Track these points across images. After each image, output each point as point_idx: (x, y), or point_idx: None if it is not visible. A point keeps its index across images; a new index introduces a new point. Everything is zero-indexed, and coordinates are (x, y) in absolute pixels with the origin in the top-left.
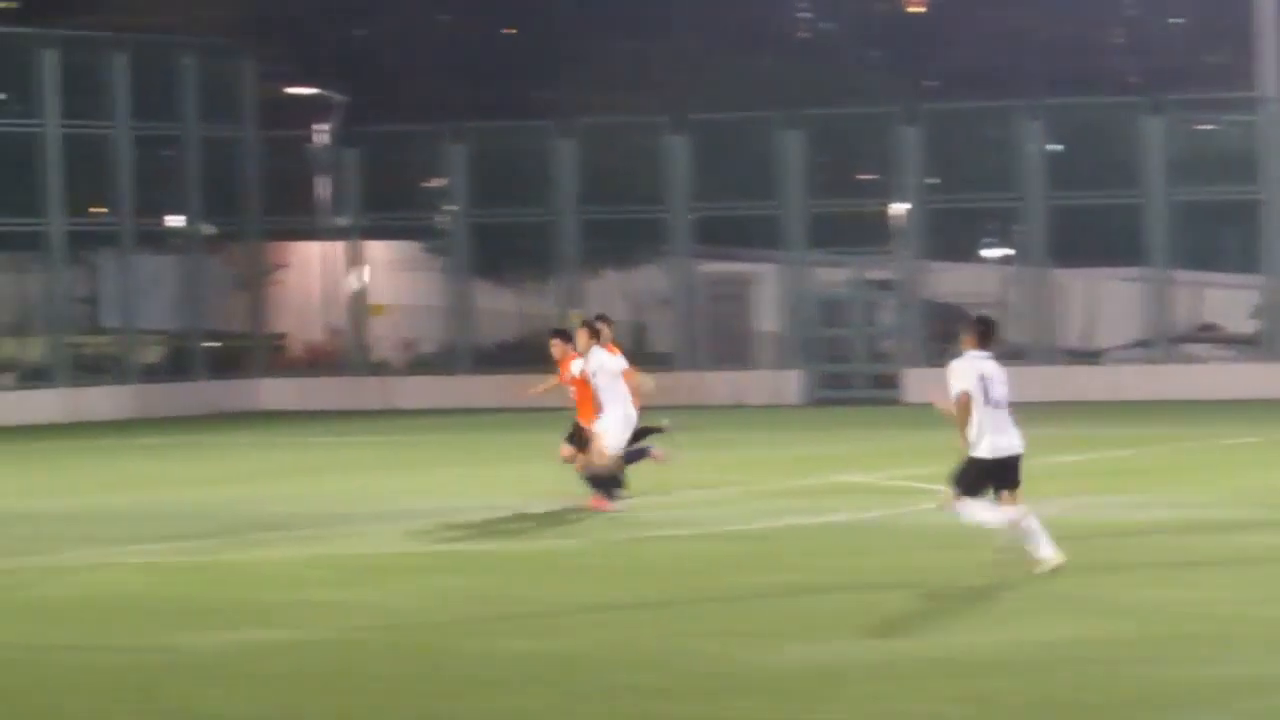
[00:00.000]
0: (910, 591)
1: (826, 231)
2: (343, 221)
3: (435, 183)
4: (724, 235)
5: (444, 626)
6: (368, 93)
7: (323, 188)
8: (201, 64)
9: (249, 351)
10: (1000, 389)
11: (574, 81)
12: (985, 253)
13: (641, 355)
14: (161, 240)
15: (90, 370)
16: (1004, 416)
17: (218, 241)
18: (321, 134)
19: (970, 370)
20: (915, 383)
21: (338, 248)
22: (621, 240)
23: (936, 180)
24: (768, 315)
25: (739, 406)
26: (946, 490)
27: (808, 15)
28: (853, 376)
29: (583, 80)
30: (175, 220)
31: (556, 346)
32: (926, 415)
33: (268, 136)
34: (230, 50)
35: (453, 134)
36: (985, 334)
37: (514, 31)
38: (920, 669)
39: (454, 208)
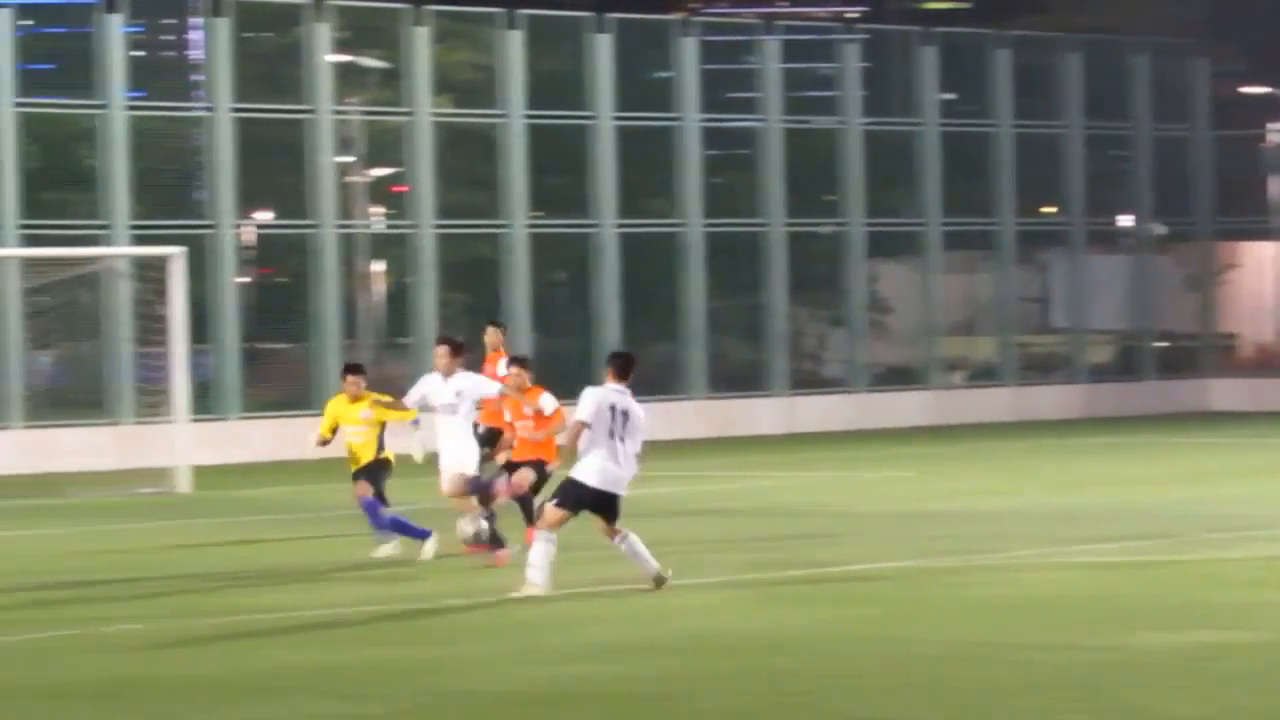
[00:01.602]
0: None
1: None
2: None
3: None
4: None
5: None
6: None
7: (1276, 188)
8: (1153, 63)
9: (1199, 352)
10: (625, 425)
11: None
12: None
13: None
14: (1112, 240)
15: (1039, 369)
16: (622, 451)
17: (1168, 241)
18: (1275, 133)
19: (601, 400)
20: None
21: None
22: None
23: None
24: None
25: None
26: (547, 506)
27: None
28: None
29: None
30: (1125, 220)
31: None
32: None
33: (1220, 136)
34: (1182, 49)
35: None
36: (622, 369)
37: None
38: None
39: None
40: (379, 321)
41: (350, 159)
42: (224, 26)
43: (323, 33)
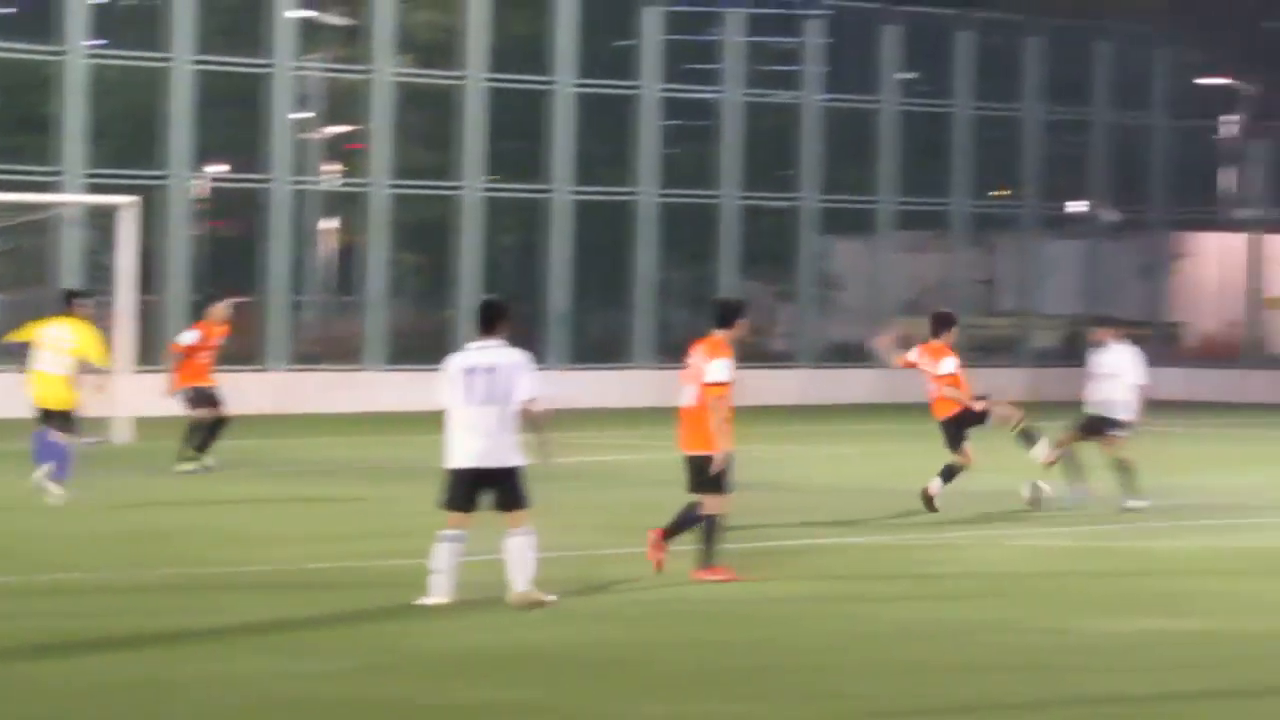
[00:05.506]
0: None
1: None
2: (1246, 214)
3: None
4: None
5: None
6: (1278, 86)
7: (1228, 180)
8: (1115, 50)
9: (1145, 340)
10: (489, 385)
11: None
12: None
13: None
14: (1063, 225)
15: (984, 351)
16: (496, 416)
17: (1120, 228)
18: (1230, 125)
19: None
20: None
21: (1239, 240)
22: None
23: None
24: None
25: None
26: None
27: None
28: None
29: None
30: (1078, 206)
31: None
32: None
33: (1176, 126)
34: (1145, 38)
35: None
36: (484, 320)
37: None
38: None
39: None
40: (329, 279)
41: (308, 115)
42: None
43: None
